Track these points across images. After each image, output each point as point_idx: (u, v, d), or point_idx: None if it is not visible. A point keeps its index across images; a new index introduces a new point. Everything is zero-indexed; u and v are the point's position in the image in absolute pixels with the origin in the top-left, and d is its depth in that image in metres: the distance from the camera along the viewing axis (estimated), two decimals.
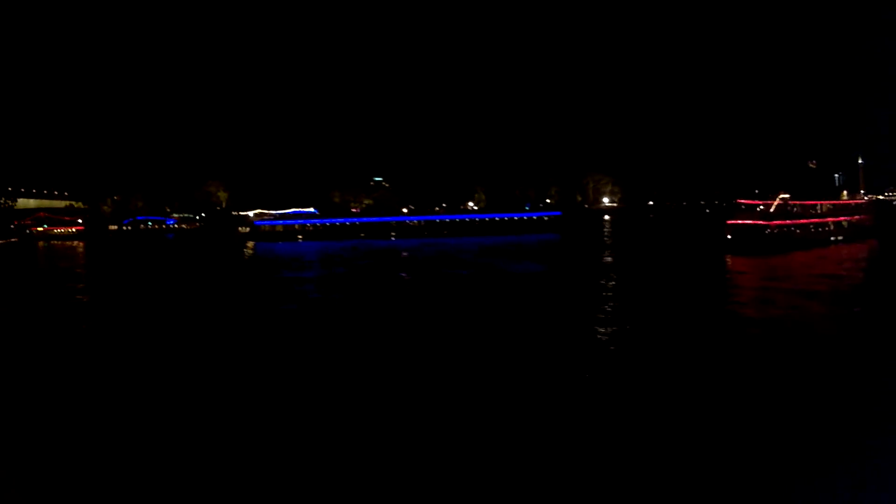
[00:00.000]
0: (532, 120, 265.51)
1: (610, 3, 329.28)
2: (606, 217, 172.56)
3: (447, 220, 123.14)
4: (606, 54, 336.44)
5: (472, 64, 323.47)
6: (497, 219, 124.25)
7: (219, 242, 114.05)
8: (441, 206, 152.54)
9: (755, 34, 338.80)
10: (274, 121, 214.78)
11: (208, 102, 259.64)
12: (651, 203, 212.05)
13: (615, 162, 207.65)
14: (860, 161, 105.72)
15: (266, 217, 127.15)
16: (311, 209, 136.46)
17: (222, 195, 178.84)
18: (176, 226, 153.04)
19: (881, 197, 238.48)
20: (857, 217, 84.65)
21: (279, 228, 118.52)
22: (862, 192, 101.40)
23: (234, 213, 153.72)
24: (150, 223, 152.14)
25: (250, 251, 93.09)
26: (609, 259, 67.50)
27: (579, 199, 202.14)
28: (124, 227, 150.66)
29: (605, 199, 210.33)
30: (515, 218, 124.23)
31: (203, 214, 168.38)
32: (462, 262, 66.45)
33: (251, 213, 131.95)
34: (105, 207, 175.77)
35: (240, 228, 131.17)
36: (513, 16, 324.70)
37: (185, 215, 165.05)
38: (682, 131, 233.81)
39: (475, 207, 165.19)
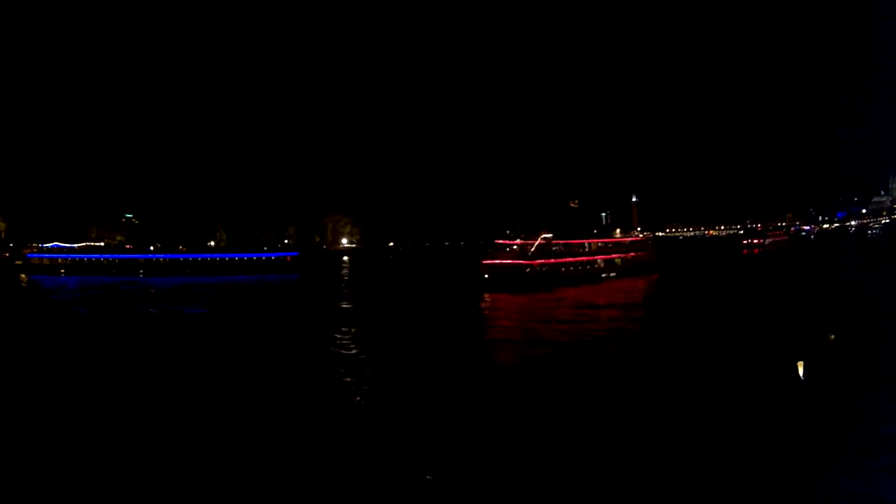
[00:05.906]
0: (270, 159, 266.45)
1: (322, 45, 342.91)
2: (346, 258, 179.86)
3: (190, 258, 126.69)
4: (341, 95, 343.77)
5: (210, 101, 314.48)
6: (237, 258, 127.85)
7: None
8: (183, 245, 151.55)
9: (507, 66, 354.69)
10: (41, 152, 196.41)
11: None
12: (392, 244, 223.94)
13: (354, 203, 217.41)
14: (634, 199, 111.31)
15: (61, 251, 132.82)
16: (101, 244, 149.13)
17: (2, 225, 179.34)
18: None
19: (661, 234, 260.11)
20: (632, 254, 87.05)
21: (46, 262, 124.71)
22: (638, 229, 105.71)
23: (33, 244, 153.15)
24: None
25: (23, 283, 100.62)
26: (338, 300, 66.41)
27: (318, 239, 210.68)
28: None
29: (344, 240, 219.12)
30: (255, 258, 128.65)
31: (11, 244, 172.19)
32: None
33: (49, 246, 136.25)
34: None
35: (16, 261, 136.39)
36: (243, 63, 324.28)
37: None
38: (425, 172, 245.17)
39: (215, 246, 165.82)
